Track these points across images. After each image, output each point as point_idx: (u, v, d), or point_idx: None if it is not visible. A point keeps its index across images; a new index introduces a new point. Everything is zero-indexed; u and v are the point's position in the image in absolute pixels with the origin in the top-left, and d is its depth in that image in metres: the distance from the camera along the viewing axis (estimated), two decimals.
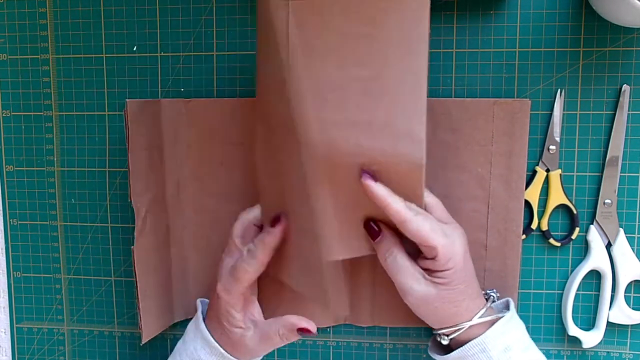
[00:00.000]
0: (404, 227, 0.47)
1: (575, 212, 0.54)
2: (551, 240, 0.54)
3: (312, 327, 0.50)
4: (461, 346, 0.48)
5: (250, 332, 0.51)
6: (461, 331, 0.48)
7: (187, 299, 0.58)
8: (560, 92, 0.53)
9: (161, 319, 0.56)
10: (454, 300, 0.48)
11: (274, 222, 0.50)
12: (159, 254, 0.55)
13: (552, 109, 0.53)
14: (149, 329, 0.55)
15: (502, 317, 0.49)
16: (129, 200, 0.52)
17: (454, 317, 0.48)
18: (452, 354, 0.49)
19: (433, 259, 0.47)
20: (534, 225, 0.54)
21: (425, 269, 0.48)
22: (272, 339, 0.50)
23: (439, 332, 0.50)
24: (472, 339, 0.48)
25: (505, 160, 0.53)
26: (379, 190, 0.46)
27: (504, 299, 0.53)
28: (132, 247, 0.52)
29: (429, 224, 0.47)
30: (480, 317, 0.48)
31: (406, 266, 0.49)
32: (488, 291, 0.52)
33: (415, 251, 0.49)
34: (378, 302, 0.56)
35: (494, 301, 0.51)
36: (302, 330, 0.50)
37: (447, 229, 0.48)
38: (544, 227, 0.54)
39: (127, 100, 0.50)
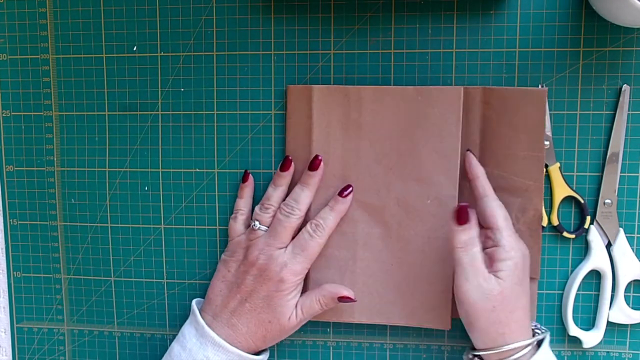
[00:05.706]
0: (485, 203, 0.50)
1: (582, 201, 0.53)
2: (565, 234, 0.54)
3: (352, 295, 0.52)
4: None
5: (298, 309, 0.52)
6: (499, 352, 0.48)
7: None
8: (542, 87, 0.53)
9: None
10: (508, 307, 0.47)
11: (344, 191, 0.53)
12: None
13: None
14: None
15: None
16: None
17: (500, 338, 0.48)
18: None
19: (497, 245, 0.48)
20: (544, 222, 0.54)
21: (488, 260, 0.48)
22: (313, 307, 0.52)
23: (479, 353, 0.49)
24: None
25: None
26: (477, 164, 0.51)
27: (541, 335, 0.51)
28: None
29: (504, 212, 0.50)
30: (521, 343, 0.47)
31: (478, 262, 0.48)
32: (537, 328, 0.51)
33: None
34: (385, 299, 0.56)
35: (538, 334, 0.50)
36: (343, 299, 0.52)
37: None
38: (555, 222, 0.54)
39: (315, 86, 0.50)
